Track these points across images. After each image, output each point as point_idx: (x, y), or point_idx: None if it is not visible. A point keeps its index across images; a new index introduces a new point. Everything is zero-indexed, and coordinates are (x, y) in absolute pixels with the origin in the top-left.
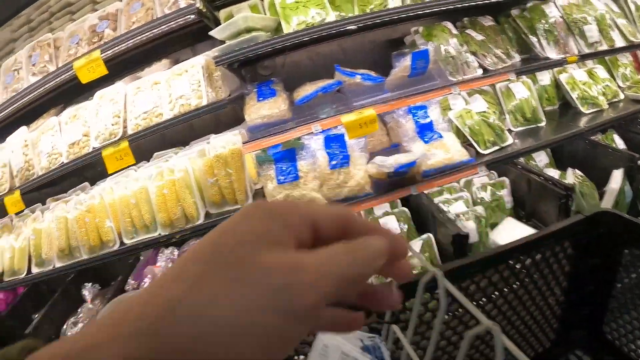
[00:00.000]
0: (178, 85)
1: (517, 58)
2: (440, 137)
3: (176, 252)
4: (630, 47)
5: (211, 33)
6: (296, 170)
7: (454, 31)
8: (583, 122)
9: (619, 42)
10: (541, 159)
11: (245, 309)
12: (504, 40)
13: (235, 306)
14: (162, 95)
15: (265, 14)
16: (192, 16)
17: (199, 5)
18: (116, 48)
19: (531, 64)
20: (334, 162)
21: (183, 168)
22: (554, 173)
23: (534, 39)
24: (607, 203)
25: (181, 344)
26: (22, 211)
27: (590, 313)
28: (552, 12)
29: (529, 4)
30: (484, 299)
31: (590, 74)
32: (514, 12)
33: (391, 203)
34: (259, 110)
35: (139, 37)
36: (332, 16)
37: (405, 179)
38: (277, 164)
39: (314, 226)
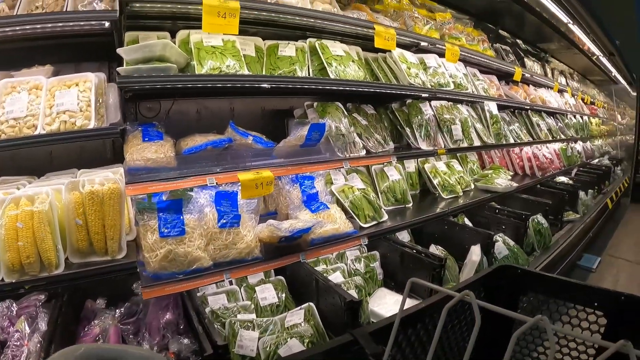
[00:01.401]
0: (64, 98)
1: (391, 145)
2: (327, 207)
3: (14, 307)
4: (484, 147)
5: (120, 50)
6: (183, 223)
7: (346, 112)
8: (443, 205)
9: (476, 142)
10: (403, 236)
11: None
12: (382, 128)
13: None
14: (41, 105)
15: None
16: (107, 23)
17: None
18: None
19: (403, 151)
20: (223, 221)
21: (46, 199)
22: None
23: (408, 131)
24: (469, 273)
25: None
26: None
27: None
28: (428, 111)
29: (409, 101)
30: None
31: (449, 165)
32: (394, 105)
33: (265, 272)
34: (143, 152)
35: (35, 26)
36: (245, 71)
37: (294, 245)
38: (161, 214)
39: None
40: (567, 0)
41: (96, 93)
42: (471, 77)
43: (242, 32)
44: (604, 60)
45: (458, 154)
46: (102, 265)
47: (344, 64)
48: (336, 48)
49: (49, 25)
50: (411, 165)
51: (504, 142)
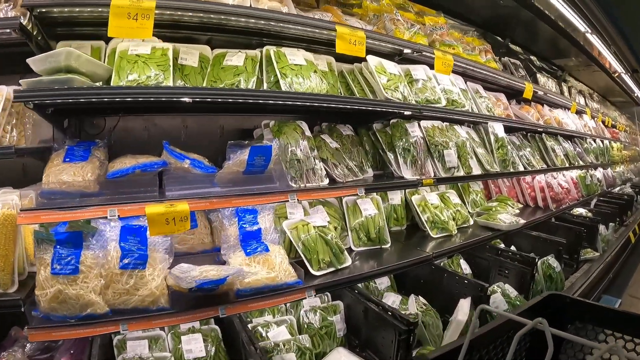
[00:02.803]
0: None
1: (370, 173)
2: (266, 250)
3: None
4: (485, 176)
5: (28, 60)
6: (78, 261)
7: (307, 133)
8: (431, 247)
9: (476, 170)
10: (382, 281)
11: None
12: (359, 152)
13: None
14: None
15: (103, 61)
16: (9, 31)
17: (24, 20)
18: None
19: (385, 181)
20: (126, 261)
21: None
22: (395, 298)
23: (391, 156)
24: (453, 335)
25: None
26: None
27: None
28: (415, 132)
29: (393, 120)
30: None
31: (443, 198)
32: (377, 125)
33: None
34: (60, 173)
35: None
36: (170, 82)
37: (214, 296)
38: (57, 248)
39: None
40: (585, 5)
41: (19, 108)
42: (472, 93)
43: (189, 40)
44: (627, 78)
45: (460, 184)
46: None
47: (303, 75)
48: (296, 57)
49: None
50: (396, 196)
51: (512, 170)
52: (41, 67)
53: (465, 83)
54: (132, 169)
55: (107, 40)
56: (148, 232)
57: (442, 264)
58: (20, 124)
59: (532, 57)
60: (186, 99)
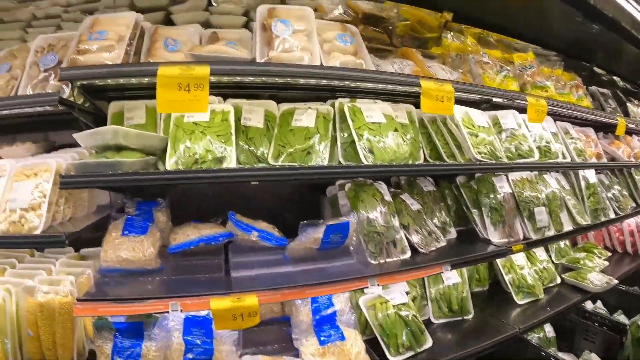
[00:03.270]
0: (20, 191)
1: (452, 233)
2: (342, 338)
3: None
4: (577, 232)
5: (75, 136)
6: (139, 354)
7: (387, 197)
8: (517, 316)
9: (567, 226)
10: None
11: None
12: (442, 209)
13: None
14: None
15: (159, 124)
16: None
17: (65, 94)
18: None
19: (469, 245)
20: (189, 356)
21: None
22: None
23: (475, 213)
24: None
25: None
26: None
27: None
28: (503, 188)
29: (478, 174)
30: None
31: (529, 254)
32: (460, 179)
33: None
34: (118, 249)
35: None
36: (232, 156)
37: None
38: (117, 338)
39: None
40: None
41: None
42: (562, 135)
43: (252, 96)
44: None
45: None
46: None
47: (382, 133)
48: (373, 112)
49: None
50: None
51: (603, 220)
52: (89, 144)
53: (555, 123)
54: (196, 242)
55: None
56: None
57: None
58: (70, 195)
59: (615, 78)
60: (251, 181)
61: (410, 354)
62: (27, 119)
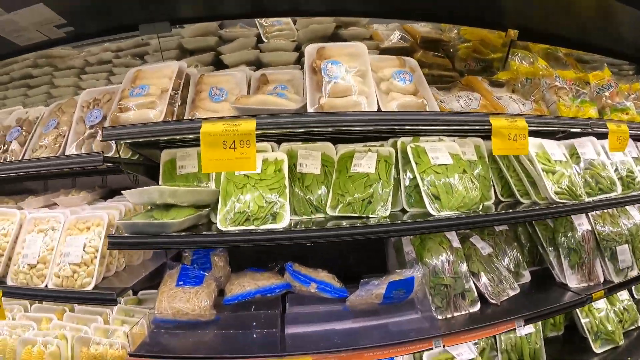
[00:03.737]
0: (73, 246)
1: (526, 276)
2: None
3: None
4: None
5: (124, 193)
6: None
7: (455, 243)
8: None
9: None
10: None
11: None
12: (515, 250)
13: None
14: (54, 252)
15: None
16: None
17: (112, 150)
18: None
19: (543, 292)
20: None
21: (55, 350)
22: None
23: (552, 254)
24: None
25: None
26: None
27: None
28: (582, 225)
29: None
30: None
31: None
32: None
33: None
34: (173, 299)
35: (37, 170)
36: (286, 212)
37: None
38: None
39: None
40: None
41: None
42: None
43: (308, 138)
44: None
45: None
46: None
47: (449, 176)
48: (439, 153)
49: (47, 168)
50: None
51: None
52: (138, 201)
53: (636, 144)
54: (252, 294)
55: None
56: None
57: None
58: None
59: None
60: (309, 243)
61: None
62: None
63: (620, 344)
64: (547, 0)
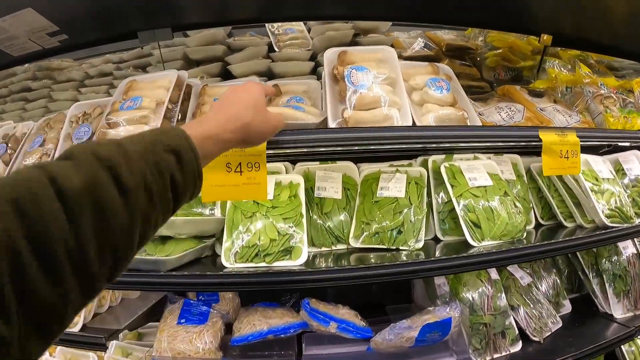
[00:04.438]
0: None
1: (567, 307)
2: None
3: None
4: None
5: None
6: None
7: (494, 275)
8: None
9: None
10: None
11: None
12: (553, 274)
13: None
14: None
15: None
16: None
17: None
18: None
19: (587, 325)
20: None
21: None
22: None
23: (594, 283)
24: None
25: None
26: None
27: None
28: (628, 249)
29: None
30: None
31: None
32: None
33: None
34: (174, 340)
35: None
36: (304, 246)
37: None
38: None
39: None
40: None
41: None
42: None
43: (324, 160)
44: None
45: None
46: None
47: (490, 199)
48: (477, 173)
49: None
50: None
51: None
52: None
53: None
54: (263, 334)
55: None
56: None
57: None
58: None
59: None
60: (326, 284)
61: None
62: None
63: None
64: (583, 4)
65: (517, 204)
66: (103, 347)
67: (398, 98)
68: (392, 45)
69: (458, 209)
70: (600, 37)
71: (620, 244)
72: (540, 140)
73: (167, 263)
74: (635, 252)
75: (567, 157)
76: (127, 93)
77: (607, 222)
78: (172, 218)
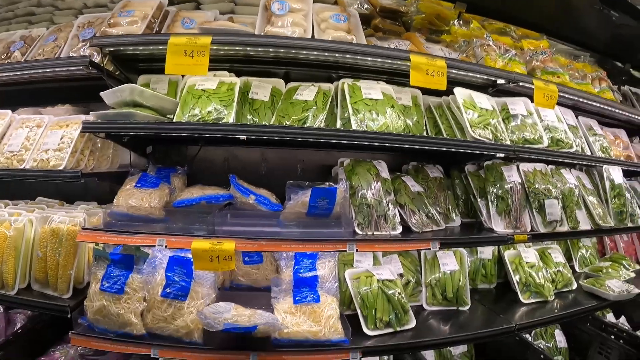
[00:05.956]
0: (50, 138)
1: (457, 221)
2: (317, 300)
3: None
4: (595, 232)
5: (101, 94)
6: (124, 282)
7: (384, 174)
8: (518, 315)
9: (584, 225)
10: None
11: None
12: (447, 197)
13: None
14: (35, 142)
15: (179, 95)
16: (82, 68)
17: (97, 58)
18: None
19: (469, 234)
20: (167, 290)
21: (21, 227)
22: None
23: (482, 203)
24: None
25: None
26: None
27: None
28: (512, 177)
29: (488, 162)
30: None
31: (543, 255)
32: (469, 167)
33: None
34: (129, 197)
35: (32, 71)
36: (232, 117)
37: (249, 339)
38: (110, 267)
39: None
40: None
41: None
42: (583, 130)
43: (266, 74)
44: None
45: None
46: (43, 300)
47: (378, 110)
48: (372, 90)
49: (39, 70)
50: (487, 250)
51: (630, 225)
52: (111, 101)
53: (577, 118)
54: (198, 200)
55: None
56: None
57: (532, 333)
58: (104, 148)
59: None
60: (241, 137)
61: (388, 330)
62: (68, 83)
63: (549, 299)
64: None
65: (401, 115)
66: (78, 178)
67: (306, 23)
68: (335, 2)
69: (351, 112)
70: (517, 11)
71: (506, 172)
72: (410, 61)
73: (136, 116)
74: (520, 181)
75: (434, 76)
76: (123, 8)
77: (474, 134)
78: (143, 88)
